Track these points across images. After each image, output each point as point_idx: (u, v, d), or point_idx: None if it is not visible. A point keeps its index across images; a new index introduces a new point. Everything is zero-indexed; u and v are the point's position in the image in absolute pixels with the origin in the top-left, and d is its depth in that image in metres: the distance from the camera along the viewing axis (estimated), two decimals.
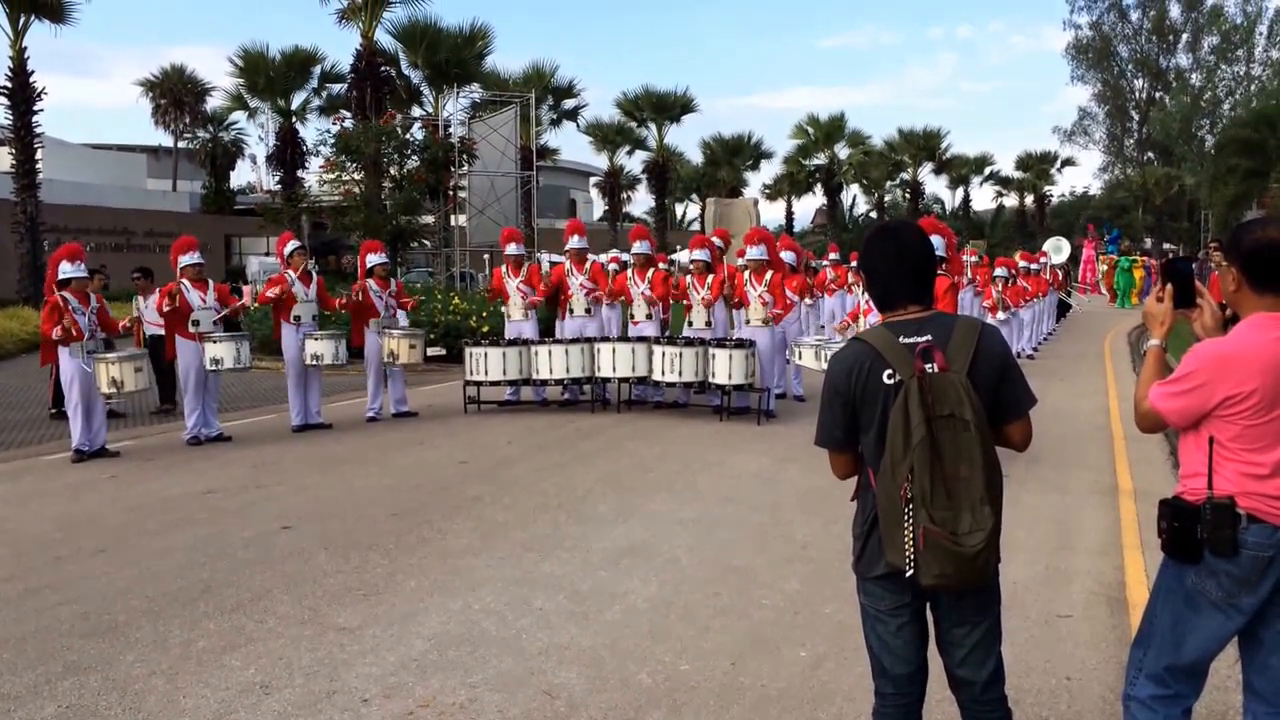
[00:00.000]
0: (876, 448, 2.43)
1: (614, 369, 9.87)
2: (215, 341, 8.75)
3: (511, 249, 10.82)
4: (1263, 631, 2.55)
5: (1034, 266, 18.44)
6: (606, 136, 41.03)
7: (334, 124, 21.96)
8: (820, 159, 48.65)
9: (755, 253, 10.05)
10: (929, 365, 2.37)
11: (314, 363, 9.31)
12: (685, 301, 10.43)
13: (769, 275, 9.98)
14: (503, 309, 11.29)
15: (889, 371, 2.41)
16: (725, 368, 9.33)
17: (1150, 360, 2.67)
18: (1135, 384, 2.70)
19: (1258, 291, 2.50)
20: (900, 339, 2.43)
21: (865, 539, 2.54)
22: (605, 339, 10.17)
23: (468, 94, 27.19)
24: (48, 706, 3.65)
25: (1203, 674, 2.63)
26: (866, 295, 2.75)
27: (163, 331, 10.18)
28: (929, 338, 2.42)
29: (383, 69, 24.03)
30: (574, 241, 10.89)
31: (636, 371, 9.84)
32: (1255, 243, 2.49)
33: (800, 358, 9.24)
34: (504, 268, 10.93)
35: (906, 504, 2.32)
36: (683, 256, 9.81)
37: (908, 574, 2.34)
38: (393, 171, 21.04)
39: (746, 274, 10.21)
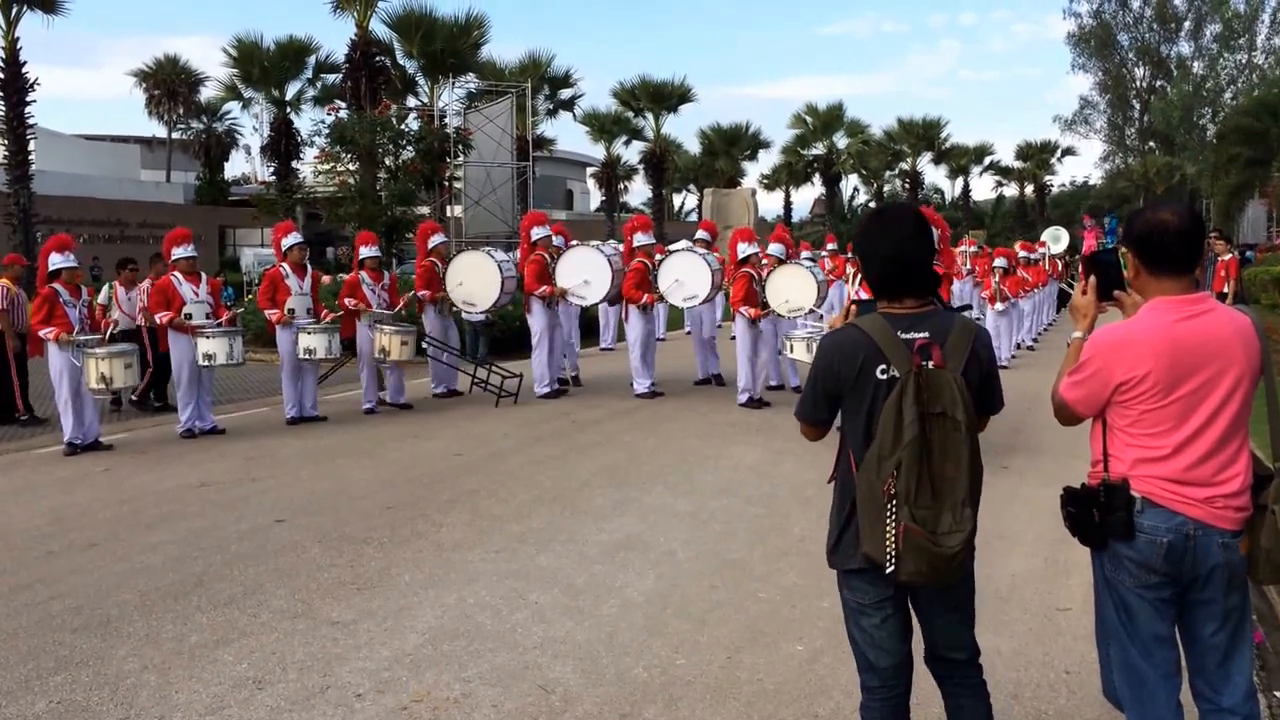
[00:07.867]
0: (863, 437, 2.41)
1: None
2: (209, 336, 8.66)
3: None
4: (1193, 632, 2.52)
5: (1033, 256, 18.42)
6: (603, 126, 40.81)
7: (329, 114, 21.77)
8: (818, 149, 48.52)
9: None
10: (926, 363, 2.35)
11: (307, 356, 9.26)
12: None
13: None
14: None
15: (883, 366, 2.39)
16: None
17: (1070, 353, 2.63)
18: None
19: (1154, 275, 2.48)
20: (898, 333, 2.40)
21: (843, 529, 2.51)
22: None
23: (463, 84, 27.07)
24: (39, 702, 3.62)
25: (1169, 644, 2.52)
26: (860, 281, 2.71)
27: (136, 325, 10.20)
28: (927, 335, 2.40)
29: (378, 59, 23.88)
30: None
31: None
32: (1145, 225, 2.47)
33: (792, 351, 9.19)
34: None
35: (890, 499, 2.31)
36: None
37: (888, 570, 2.35)
38: (388, 162, 20.90)
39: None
